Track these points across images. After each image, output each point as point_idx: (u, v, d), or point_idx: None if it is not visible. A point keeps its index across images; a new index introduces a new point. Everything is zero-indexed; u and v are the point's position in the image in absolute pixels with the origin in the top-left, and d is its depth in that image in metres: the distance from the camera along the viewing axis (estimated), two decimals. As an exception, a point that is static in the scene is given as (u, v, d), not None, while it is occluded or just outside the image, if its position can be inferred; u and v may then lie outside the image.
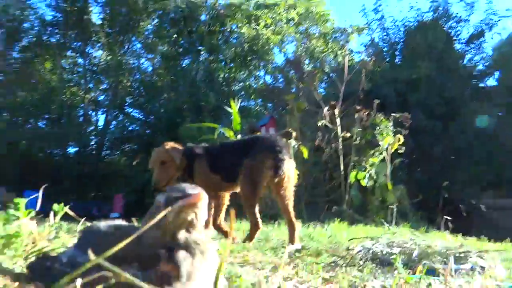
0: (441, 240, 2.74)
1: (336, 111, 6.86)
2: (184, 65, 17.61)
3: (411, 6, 15.34)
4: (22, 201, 1.38)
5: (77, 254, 0.94)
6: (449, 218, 3.59)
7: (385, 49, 15.88)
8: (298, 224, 2.93)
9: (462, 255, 1.84)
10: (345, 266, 1.85)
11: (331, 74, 13.61)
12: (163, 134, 13.37)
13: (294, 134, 6.01)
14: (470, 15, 14.86)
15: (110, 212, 11.73)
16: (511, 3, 28.51)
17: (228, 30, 17.74)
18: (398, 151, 6.53)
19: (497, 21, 14.43)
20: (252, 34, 16.12)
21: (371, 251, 2.05)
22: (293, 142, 6.01)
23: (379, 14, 15.64)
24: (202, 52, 17.46)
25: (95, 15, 18.37)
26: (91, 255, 0.74)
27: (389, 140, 6.53)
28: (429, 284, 1.23)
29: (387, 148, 6.54)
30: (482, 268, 1.72)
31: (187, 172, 2.98)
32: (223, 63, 17.56)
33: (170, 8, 17.07)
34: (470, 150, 11.90)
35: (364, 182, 6.29)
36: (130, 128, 17.67)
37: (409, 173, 10.42)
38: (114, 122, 18.16)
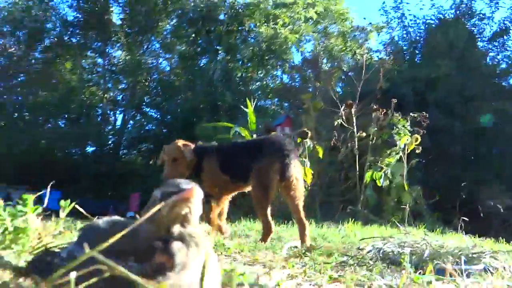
0: (454, 241, 2.68)
1: (353, 111, 6.78)
2: (201, 64, 17.72)
3: (432, 4, 15.09)
4: (30, 197, 1.41)
5: (76, 250, 0.97)
6: (466, 219, 3.51)
7: (405, 47, 15.65)
8: (308, 223, 2.93)
9: (475, 255, 1.79)
10: (355, 266, 1.83)
11: (349, 73, 13.46)
12: (179, 133, 13.46)
13: (309, 133, 5.98)
14: (494, 12, 14.51)
15: (127, 211, 11.88)
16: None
17: (246, 29, 17.76)
18: (415, 151, 6.43)
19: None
20: (270, 33, 16.08)
21: (382, 251, 2.02)
22: (308, 141, 5.98)
23: (399, 11, 15.44)
24: (219, 52, 17.52)
25: (115, 15, 18.67)
26: (87, 249, 0.76)
27: (406, 140, 6.43)
28: (430, 282, 1.20)
29: (403, 148, 6.44)
30: (495, 269, 1.68)
31: (196, 170, 3.00)
32: (241, 62, 17.60)
33: (189, 8, 17.20)
34: (490, 150, 11.63)
35: (379, 182, 6.21)
36: (147, 128, 17.90)
37: (426, 173, 10.23)
38: (131, 122, 18.42)
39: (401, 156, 6.47)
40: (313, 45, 17.48)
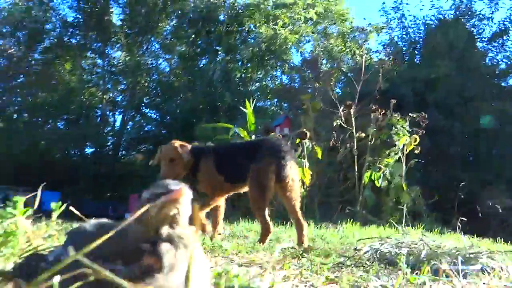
0: (452, 241, 2.68)
1: (352, 111, 6.78)
2: (201, 65, 17.73)
3: (432, 4, 15.09)
4: (20, 199, 1.40)
5: (63, 253, 0.95)
6: (464, 219, 3.51)
7: (405, 48, 15.66)
8: (306, 224, 2.93)
9: (472, 256, 1.79)
10: (351, 267, 1.83)
11: (348, 74, 13.46)
12: (178, 134, 13.46)
13: (308, 134, 5.98)
14: (494, 13, 14.51)
15: (126, 212, 11.87)
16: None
17: (246, 30, 17.77)
18: (415, 151, 6.42)
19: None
20: (270, 34, 16.09)
21: (379, 252, 2.01)
22: (307, 142, 5.98)
23: (399, 12, 15.45)
24: (219, 52, 17.53)
25: (115, 16, 18.68)
26: (71, 252, 0.75)
27: (405, 140, 6.43)
28: (424, 283, 1.19)
29: (402, 148, 6.44)
30: (492, 269, 1.67)
31: (192, 171, 3.00)
32: (240, 63, 17.60)
33: (188, 8, 17.22)
34: (489, 150, 11.62)
35: (378, 183, 6.21)
36: (146, 129, 17.90)
37: (425, 173, 10.23)
38: (131, 123, 18.42)
39: (400, 156, 6.47)
40: (313, 46, 17.51)
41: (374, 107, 6.81)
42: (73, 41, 18.53)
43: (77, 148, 17.60)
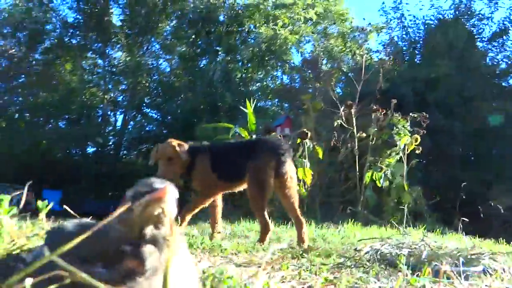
0: (454, 241, 2.67)
1: (353, 111, 6.77)
2: (201, 65, 17.72)
3: (432, 4, 15.08)
4: (5, 198, 1.37)
5: (42, 254, 0.92)
6: (466, 220, 3.49)
7: (405, 48, 15.65)
8: (305, 221, 2.95)
9: (473, 257, 1.78)
10: (351, 268, 1.82)
11: (349, 74, 13.45)
12: (179, 134, 13.46)
13: (309, 134, 5.97)
14: (494, 12, 14.50)
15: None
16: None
17: (246, 30, 17.76)
18: (416, 151, 6.41)
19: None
20: (270, 34, 16.07)
21: (379, 252, 2.00)
22: (308, 142, 5.97)
23: (399, 12, 15.44)
24: (219, 53, 17.52)
25: (115, 17, 18.68)
26: (46, 252, 0.72)
27: (406, 140, 6.41)
28: (424, 286, 1.19)
29: (403, 148, 6.42)
30: (494, 270, 1.66)
31: (187, 170, 3.00)
32: (240, 63, 17.59)
33: (188, 9, 17.21)
34: (490, 150, 11.60)
35: (379, 183, 6.20)
36: (147, 129, 17.89)
37: (426, 173, 10.21)
38: (132, 123, 18.43)
39: (401, 156, 6.46)
40: (313, 46, 17.49)
41: (375, 107, 6.80)
42: (74, 41, 18.55)
43: (78, 147, 17.61)
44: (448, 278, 1.46)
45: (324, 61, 16.16)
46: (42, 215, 1.41)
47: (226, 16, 17.39)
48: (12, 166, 14.22)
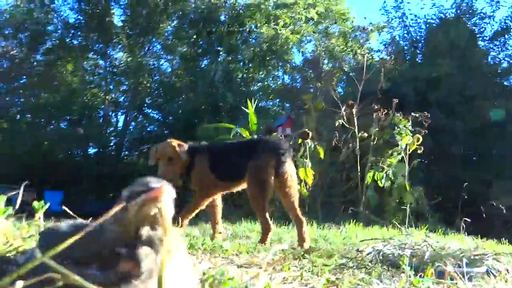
0: (457, 242, 2.65)
1: (354, 111, 6.75)
2: (203, 65, 17.69)
3: (433, 3, 15.06)
4: (1, 198, 1.36)
5: (34, 256, 0.88)
6: (468, 220, 3.48)
7: (406, 47, 15.62)
8: (305, 220, 2.95)
9: (477, 257, 1.76)
10: (353, 269, 1.80)
11: (350, 73, 13.43)
12: (181, 134, 13.45)
13: (310, 134, 5.96)
14: (495, 11, 14.47)
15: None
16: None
17: (247, 30, 17.74)
18: (417, 151, 6.38)
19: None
20: (271, 34, 16.04)
21: (381, 253, 1.99)
22: (309, 142, 5.96)
23: (400, 11, 15.42)
24: (221, 53, 17.50)
25: (117, 17, 18.68)
26: (38, 254, 0.70)
27: (408, 140, 6.39)
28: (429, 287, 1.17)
29: (405, 148, 6.40)
30: (498, 271, 1.64)
31: (186, 170, 3.00)
32: (242, 63, 17.56)
33: (189, 9, 17.19)
34: (492, 150, 11.57)
35: (381, 183, 6.18)
36: (148, 129, 17.86)
37: (428, 173, 10.19)
38: (133, 123, 18.41)
39: (402, 156, 6.43)
40: (314, 46, 17.47)
41: (376, 107, 6.78)
42: (75, 42, 18.54)
43: (80, 148, 17.60)
44: (451, 279, 1.45)
45: (326, 61, 16.14)
46: (38, 215, 1.39)
47: (227, 16, 17.37)
48: (13, 167, 14.22)
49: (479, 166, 11.53)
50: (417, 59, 15.14)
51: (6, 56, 17.69)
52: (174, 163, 2.92)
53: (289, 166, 2.89)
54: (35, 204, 1.40)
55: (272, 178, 2.81)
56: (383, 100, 7.09)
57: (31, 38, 17.59)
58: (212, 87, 15.73)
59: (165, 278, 0.75)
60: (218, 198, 3.18)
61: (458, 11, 14.71)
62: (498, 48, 14.80)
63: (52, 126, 17.95)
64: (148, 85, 18.65)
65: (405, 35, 15.65)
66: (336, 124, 6.80)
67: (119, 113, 18.76)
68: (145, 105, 18.39)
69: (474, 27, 14.69)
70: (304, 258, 2.09)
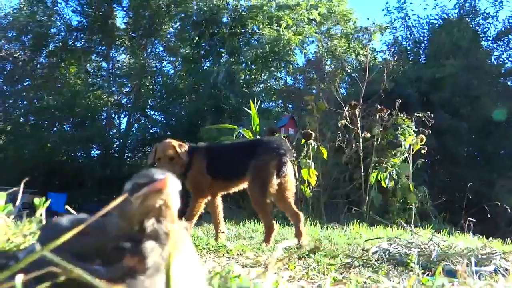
0: (463, 242, 2.62)
1: (357, 111, 6.72)
2: (205, 67, 17.71)
3: (436, 3, 15.04)
4: (2, 195, 1.34)
5: (35, 250, 0.86)
6: (473, 220, 3.46)
7: (409, 47, 15.59)
8: (303, 214, 2.94)
9: (485, 256, 1.74)
10: (360, 267, 1.78)
11: (353, 74, 13.40)
12: (184, 136, 13.43)
13: (313, 134, 5.93)
14: (499, 11, 14.43)
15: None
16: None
17: (250, 31, 17.75)
18: (421, 152, 6.35)
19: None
20: (273, 35, 16.03)
21: (388, 252, 1.97)
22: (312, 142, 5.94)
23: (403, 12, 15.40)
24: (223, 54, 17.51)
25: (119, 20, 18.74)
26: (38, 247, 0.67)
27: (411, 140, 6.36)
28: (443, 285, 1.15)
29: (409, 149, 6.37)
30: (506, 270, 1.62)
31: (185, 170, 2.99)
32: (244, 64, 17.56)
33: (192, 11, 17.21)
34: (496, 149, 11.51)
35: (385, 183, 6.14)
36: (151, 131, 17.86)
37: (432, 174, 10.14)
38: (136, 125, 18.43)
39: (406, 156, 6.40)
40: (317, 47, 17.44)
41: (379, 107, 6.75)
42: (78, 44, 18.60)
43: (83, 150, 17.62)
44: (457, 277, 1.43)
45: (328, 62, 16.11)
46: (40, 212, 1.37)
47: (229, 18, 17.39)
48: (17, 170, 14.26)
49: (483, 166, 11.48)
50: (420, 60, 15.10)
51: (9, 58, 17.77)
52: (174, 163, 2.91)
53: (290, 168, 2.88)
54: (36, 201, 1.38)
55: (274, 178, 2.80)
56: (386, 101, 7.07)
57: (34, 41, 17.66)
58: (215, 88, 15.73)
59: (172, 273, 0.73)
60: (218, 198, 3.18)
61: (461, 12, 14.68)
62: (501, 48, 14.77)
63: (55, 129, 17.99)
64: (151, 87, 18.69)
65: (408, 35, 15.64)
66: (339, 125, 6.77)
67: (122, 115, 18.81)
68: (148, 107, 18.41)
69: (477, 27, 14.65)
70: (309, 258, 2.07)
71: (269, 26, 16.49)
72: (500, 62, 14.63)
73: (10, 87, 17.99)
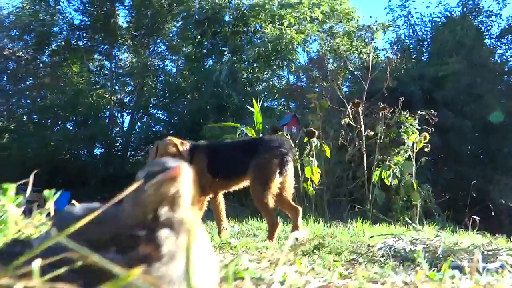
0: (468, 238, 2.62)
1: (360, 110, 6.71)
2: (207, 66, 17.71)
3: (438, 1, 14.96)
4: (10, 186, 1.34)
5: (50, 237, 0.86)
6: (477, 218, 3.45)
7: (412, 46, 15.55)
8: (301, 209, 2.96)
9: (490, 253, 1.74)
10: (365, 264, 1.78)
11: (355, 72, 13.38)
12: (186, 134, 13.45)
13: (316, 132, 5.93)
14: (502, 9, 14.37)
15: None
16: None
17: (252, 30, 17.75)
18: (424, 150, 6.34)
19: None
20: (276, 34, 16.03)
21: (393, 249, 1.97)
22: (315, 140, 5.93)
23: (405, 10, 15.36)
24: (225, 53, 17.51)
25: (122, 18, 18.76)
26: (54, 232, 0.68)
27: (415, 138, 6.35)
28: (453, 276, 1.15)
29: (412, 147, 6.36)
30: (512, 266, 1.61)
31: None
32: (247, 63, 17.56)
33: (194, 10, 17.22)
34: (499, 148, 11.48)
35: (388, 181, 6.13)
36: (154, 129, 17.89)
37: (436, 172, 10.12)
38: (139, 123, 18.46)
39: (409, 154, 6.39)
40: (319, 45, 17.43)
41: (382, 105, 6.74)
42: (80, 43, 18.63)
43: (86, 148, 17.66)
44: (464, 273, 1.43)
45: (331, 60, 16.09)
46: (49, 204, 1.38)
47: (231, 16, 17.38)
48: (21, 169, 14.30)
49: (487, 164, 11.44)
50: (423, 58, 15.06)
51: (12, 57, 17.82)
52: None
53: (291, 167, 2.90)
54: (46, 192, 1.39)
55: (277, 176, 2.81)
56: (389, 99, 7.05)
57: (37, 40, 17.70)
58: (217, 87, 15.73)
59: (192, 261, 0.73)
60: (220, 196, 3.19)
61: (464, 9, 14.63)
62: (505, 46, 14.71)
63: (58, 127, 18.04)
64: (153, 85, 18.71)
65: (411, 33, 15.60)
66: (342, 123, 6.76)
67: (125, 114, 18.85)
68: (151, 105, 18.44)
69: (480, 25, 14.59)
70: (314, 254, 2.08)
71: (271, 24, 16.48)
72: (504, 60, 14.57)
73: (13, 86, 18.04)
